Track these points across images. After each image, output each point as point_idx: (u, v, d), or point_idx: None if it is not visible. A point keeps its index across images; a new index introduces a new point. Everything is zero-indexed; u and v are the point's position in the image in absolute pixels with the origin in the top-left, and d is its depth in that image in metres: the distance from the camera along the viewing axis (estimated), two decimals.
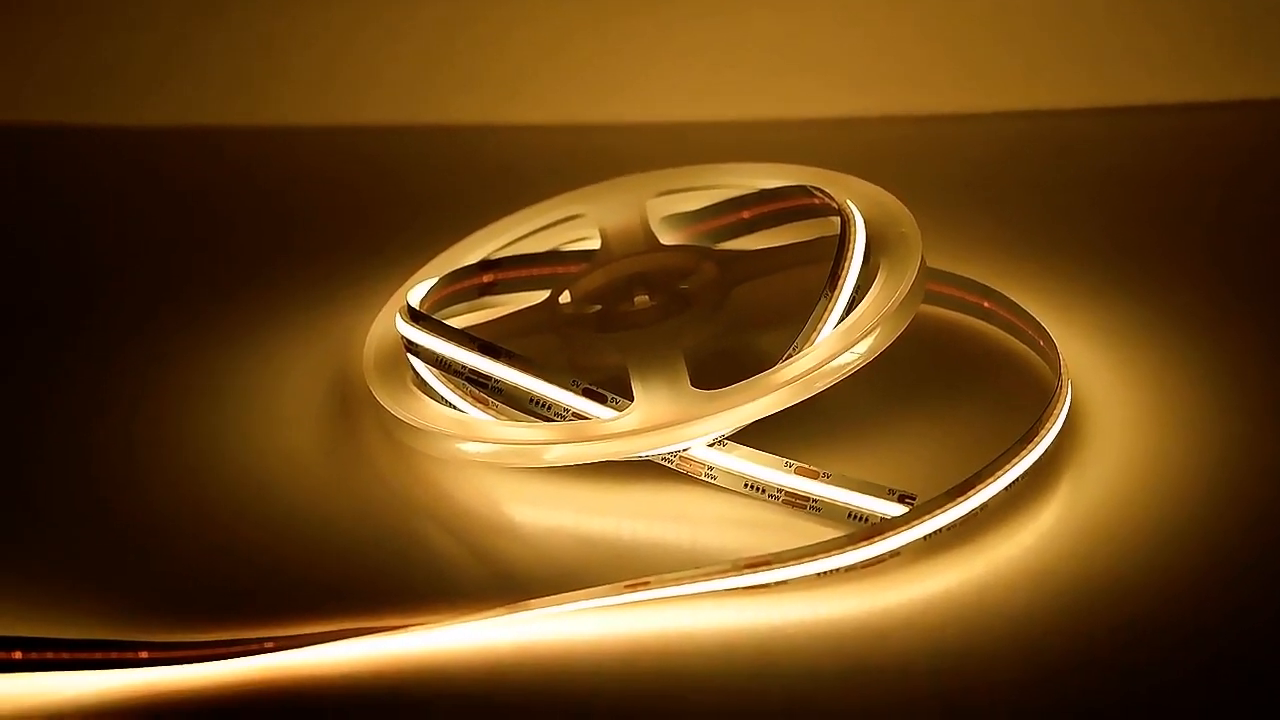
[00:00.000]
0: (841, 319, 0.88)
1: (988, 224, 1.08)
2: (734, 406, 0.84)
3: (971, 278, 0.96)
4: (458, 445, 0.88)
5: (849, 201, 0.94)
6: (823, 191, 0.96)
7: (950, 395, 0.92)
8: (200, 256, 1.17)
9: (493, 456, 0.87)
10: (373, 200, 1.22)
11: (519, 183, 1.13)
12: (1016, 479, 0.84)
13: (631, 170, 1.06)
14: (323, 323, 1.05)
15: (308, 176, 1.26)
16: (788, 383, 0.85)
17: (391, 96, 1.30)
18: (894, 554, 0.81)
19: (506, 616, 0.80)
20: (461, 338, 0.89)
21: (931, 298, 0.96)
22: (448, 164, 1.26)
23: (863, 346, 0.86)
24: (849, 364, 0.86)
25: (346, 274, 1.09)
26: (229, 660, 0.80)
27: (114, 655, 0.80)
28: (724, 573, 0.81)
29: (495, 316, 0.97)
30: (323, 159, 1.28)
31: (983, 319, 0.96)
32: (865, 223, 0.92)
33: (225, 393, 1.00)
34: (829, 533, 0.83)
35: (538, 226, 1.04)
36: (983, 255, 1.02)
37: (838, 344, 0.86)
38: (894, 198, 0.95)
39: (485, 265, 1.01)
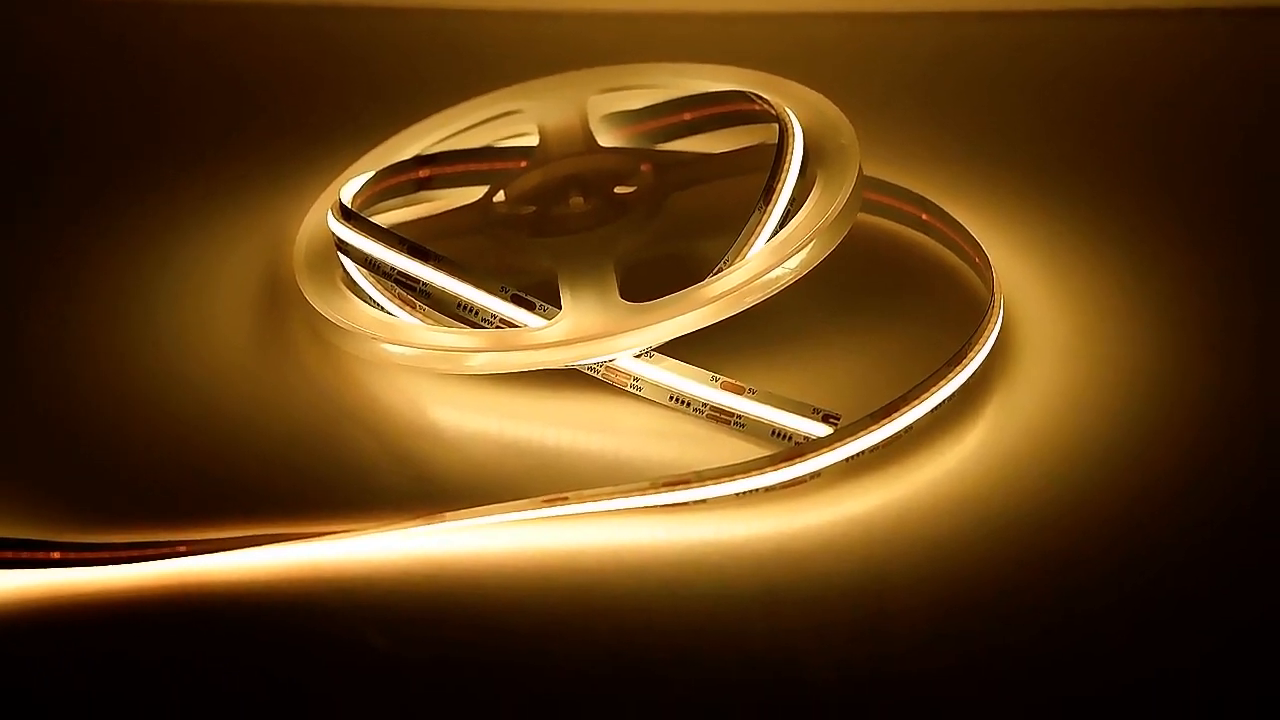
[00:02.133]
0: (776, 232, 0.87)
1: (930, 129, 1.06)
2: (662, 320, 0.83)
3: (910, 188, 0.95)
4: (383, 347, 0.87)
5: (789, 110, 0.93)
6: (762, 98, 0.95)
7: (884, 310, 0.91)
8: (147, 134, 1.15)
9: (417, 361, 0.86)
10: (321, 81, 1.20)
11: (470, 67, 1.12)
12: (943, 401, 0.83)
13: (575, 57, 1.05)
14: (265, 208, 1.04)
15: (259, 54, 1.24)
16: (718, 297, 0.84)
17: None
18: (815, 475, 0.81)
19: (423, 528, 0.80)
20: (391, 239, 0.88)
21: (869, 207, 0.94)
22: (401, 46, 1.23)
23: (795, 261, 0.85)
24: (780, 279, 0.85)
25: (292, 158, 1.08)
26: (143, 563, 0.80)
27: (25, 555, 0.80)
28: (642, 490, 0.80)
29: (430, 214, 0.95)
30: (275, 36, 1.26)
31: (920, 231, 0.95)
32: (804, 132, 0.91)
33: (162, 281, 0.99)
34: (752, 448, 0.82)
35: (476, 121, 1.02)
36: (924, 162, 1.01)
37: (770, 258, 0.85)
38: (835, 107, 0.94)
39: (421, 160, 0.99)
